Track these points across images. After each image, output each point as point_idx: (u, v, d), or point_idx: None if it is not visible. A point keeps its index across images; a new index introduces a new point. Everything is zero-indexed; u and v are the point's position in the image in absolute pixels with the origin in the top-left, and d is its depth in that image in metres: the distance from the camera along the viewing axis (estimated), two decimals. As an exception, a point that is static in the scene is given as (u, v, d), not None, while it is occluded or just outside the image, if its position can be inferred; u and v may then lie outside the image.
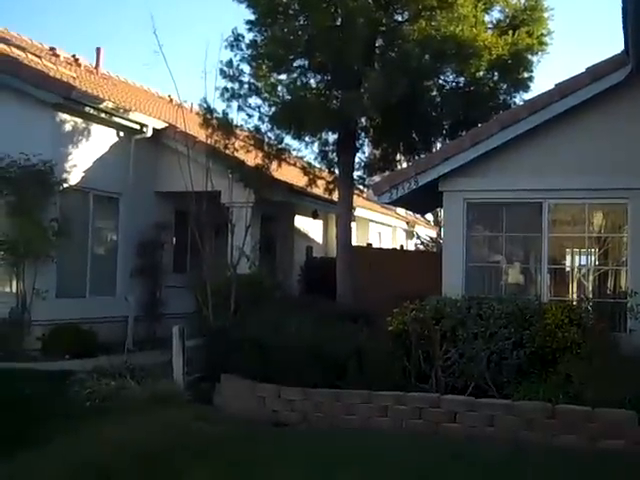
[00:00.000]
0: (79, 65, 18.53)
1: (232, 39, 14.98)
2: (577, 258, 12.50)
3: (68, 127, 14.74)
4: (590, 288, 11.66)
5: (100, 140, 15.46)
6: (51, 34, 49.79)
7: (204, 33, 35.80)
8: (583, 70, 11.09)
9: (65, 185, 14.27)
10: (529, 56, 15.13)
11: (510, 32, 14.81)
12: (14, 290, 13.49)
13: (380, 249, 22.76)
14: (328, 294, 14.82)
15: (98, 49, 19.71)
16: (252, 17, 15.02)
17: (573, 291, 11.91)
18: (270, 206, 17.44)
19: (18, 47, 15.96)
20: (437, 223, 29.56)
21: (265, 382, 9.34)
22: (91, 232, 15.38)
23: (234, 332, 10.19)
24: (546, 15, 15.28)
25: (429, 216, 31.13)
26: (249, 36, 14.99)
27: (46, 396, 9.55)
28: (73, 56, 18.80)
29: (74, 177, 14.67)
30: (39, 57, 16.15)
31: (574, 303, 10.79)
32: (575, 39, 40.93)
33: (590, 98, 10.92)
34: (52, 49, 18.18)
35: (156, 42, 13.39)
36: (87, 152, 15.05)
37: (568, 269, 12.34)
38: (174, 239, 17.75)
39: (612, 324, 10.32)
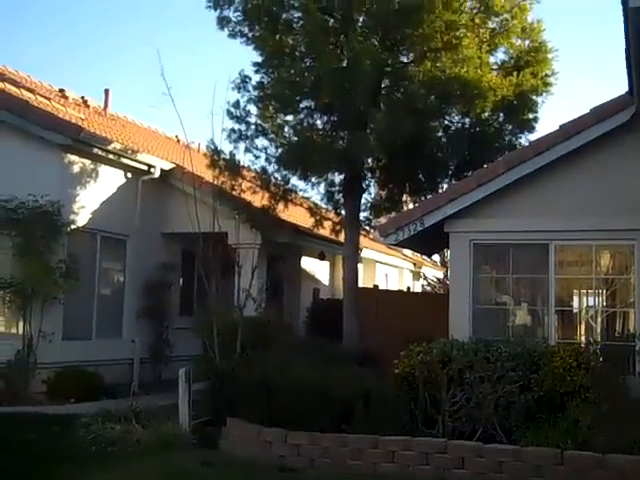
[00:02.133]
0: (88, 106, 18.70)
1: (239, 80, 15.12)
2: (585, 299, 12.41)
3: (76, 168, 14.83)
4: (598, 330, 11.57)
5: (108, 181, 15.55)
6: (61, 76, 50.31)
7: (212, 75, 36.13)
8: (587, 111, 11.13)
9: (73, 226, 14.33)
10: (534, 97, 15.20)
11: (515, 73, 14.88)
12: (20, 332, 13.46)
13: (387, 291, 22.68)
14: (335, 336, 14.74)
15: (107, 90, 19.89)
16: (259, 59, 15.19)
17: (581, 333, 11.81)
18: (277, 247, 17.45)
19: (28, 89, 16.13)
20: (444, 264, 29.51)
21: (271, 426, 9.25)
22: (98, 273, 15.40)
23: (240, 375, 10.12)
24: (550, 56, 15.35)
25: (436, 257, 31.10)
26: (256, 77, 15.15)
27: (51, 440, 9.51)
28: (82, 97, 18.98)
29: (82, 218, 14.73)
30: (48, 99, 16.31)
31: (582, 346, 10.67)
32: (580, 77, 41.19)
33: (595, 139, 10.94)
34: (61, 91, 18.36)
35: (164, 84, 13.48)
36: (95, 193, 15.13)
37: (576, 310, 12.25)
38: (181, 280, 17.76)
39: (621, 367, 10.20)
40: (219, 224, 13.06)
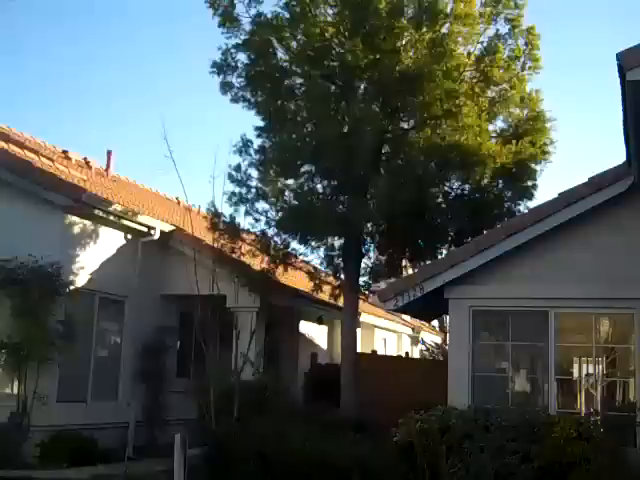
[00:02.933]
0: (90, 167, 18.84)
1: (241, 144, 15.33)
2: (585, 367, 12.32)
3: (77, 229, 14.85)
4: (599, 399, 11.46)
5: (108, 242, 15.56)
6: (65, 137, 50.87)
7: (214, 138, 36.55)
8: (586, 180, 11.22)
9: (72, 287, 14.26)
10: (533, 165, 15.37)
11: (514, 141, 15.06)
12: (15, 393, 13.29)
13: (385, 356, 22.57)
14: (333, 401, 14.60)
15: (109, 152, 20.10)
16: (261, 123, 15.43)
17: (581, 402, 11.69)
18: (275, 311, 17.38)
19: (32, 150, 16.26)
20: (443, 329, 29.35)
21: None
22: (95, 335, 15.28)
23: (236, 442, 9.99)
24: (548, 125, 15.60)
25: (435, 322, 30.97)
26: (257, 142, 15.38)
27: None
28: (84, 159, 19.13)
29: (81, 279, 14.70)
30: (52, 160, 16.43)
31: (582, 416, 10.56)
32: (581, 144, 41.66)
33: (593, 208, 11.01)
34: (64, 152, 18.52)
35: (167, 147, 13.64)
36: (94, 254, 15.13)
37: (576, 379, 12.13)
38: (178, 343, 17.63)
39: (622, 439, 10.08)
40: (218, 287, 13.06)
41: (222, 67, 15.57)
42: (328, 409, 13.30)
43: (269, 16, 15.40)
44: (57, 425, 13.29)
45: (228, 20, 15.54)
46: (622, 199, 10.88)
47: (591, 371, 11.97)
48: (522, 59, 15.30)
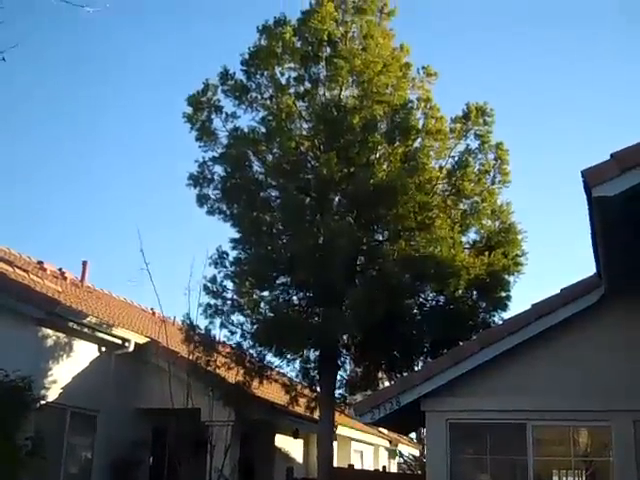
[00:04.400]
0: (65, 278, 18.83)
1: (216, 256, 15.42)
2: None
3: (50, 342, 14.69)
4: (580, 513, 11.29)
5: (81, 355, 15.38)
6: (41, 249, 50.83)
7: (189, 249, 36.71)
8: (558, 291, 11.35)
9: (42, 402, 13.96)
10: (506, 276, 15.50)
11: (486, 253, 15.24)
12: (-20, 514, 12.83)
13: (362, 470, 22.08)
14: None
15: (84, 262, 20.17)
16: (236, 235, 15.56)
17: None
18: (251, 424, 17.09)
19: (6, 261, 16.22)
20: (420, 441, 28.94)
21: None
22: (65, 450, 14.90)
23: None
24: (520, 237, 15.83)
25: (412, 434, 30.54)
26: (233, 253, 15.47)
27: None
28: (59, 269, 19.13)
29: (52, 393, 14.43)
30: (26, 271, 16.38)
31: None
32: (552, 254, 42.28)
33: (565, 319, 11.09)
34: (40, 263, 18.52)
35: (142, 259, 13.70)
36: (67, 367, 14.92)
37: (556, 492, 11.98)
38: (151, 458, 17.22)
39: None
40: (192, 400, 12.91)
41: (198, 179, 15.83)
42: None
43: (246, 130, 15.83)
44: None
45: (205, 134, 15.92)
46: (593, 311, 10.99)
47: (571, 484, 11.84)
48: (492, 173, 15.72)
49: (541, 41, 37.50)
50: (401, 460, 29.78)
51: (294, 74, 15.84)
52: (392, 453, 30.36)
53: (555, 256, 42.55)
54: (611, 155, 7.84)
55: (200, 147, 15.97)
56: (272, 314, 15.00)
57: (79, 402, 15.08)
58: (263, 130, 15.66)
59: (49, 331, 14.61)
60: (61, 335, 14.90)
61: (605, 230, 8.54)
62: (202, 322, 15.37)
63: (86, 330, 15.25)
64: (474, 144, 15.72)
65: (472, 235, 16.32)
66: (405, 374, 15.40)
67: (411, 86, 16.05)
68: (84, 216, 44.51)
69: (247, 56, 15.95)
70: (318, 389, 16.17)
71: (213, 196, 15.87)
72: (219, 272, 15.32)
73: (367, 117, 14.95)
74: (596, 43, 36.14)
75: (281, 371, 17.26)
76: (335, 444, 17.52)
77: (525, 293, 20.65)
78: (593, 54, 36.75)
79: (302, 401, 16.89)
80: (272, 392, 18.05)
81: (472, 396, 11.46)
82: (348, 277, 14.66)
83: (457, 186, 15.39)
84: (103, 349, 16.00)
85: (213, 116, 16.00)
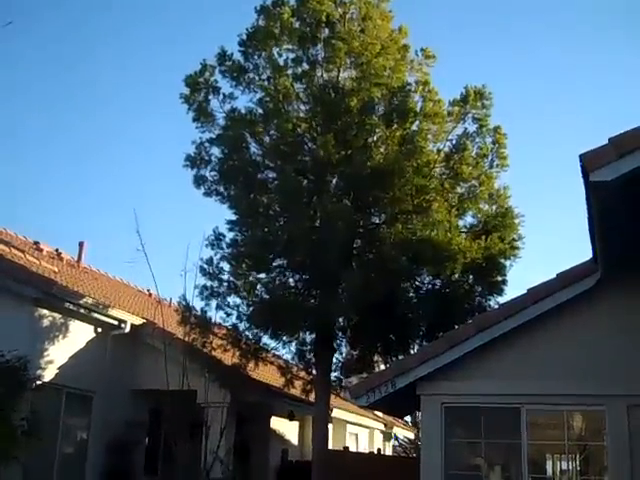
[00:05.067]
0: (61, 259, 18.80)
1: (213, 238, 15.41)
2: (558, 464, 12.20)
3: (46, 322, 14.71)
4: (573, 497, 11.32)
5: (77, 335, 15.40)
6: (38, 229, 50.80)
7: (186, 231, 36.72)
8: (554, 275, 11.33)
9: (38, 382, 14.02)
10: (502, 260, 15.49)
11: (483, 237, 15.20)
12: (-25, 494, 12.88)
13: (357, 453, 22.19)
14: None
15: (81, 243, 20.14)
16: (233, 217, 15.53)
17: (556, 500, 11.54)
18: (246, 406, 17.14)
19: (2, 241, 16.22)
20: (415, 424, 29.03)
21: None
22: (61, 431, 14.96)
23: None
24: (517, 221, 15.81)
25: (407, 417, 30.64)
26: (230, 235, 15.47)
27: None
28: (56, 250, 19.11)
29: (48, 373, 14.46)
30: (23, 251, 16.38)
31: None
32: (549, 237, 42.24)
33: (561, 304, 11.08)
34: (36, 243, 18.50)
35: (139, 240, 13.67)
36: (63, 348, 14.94)
37: (550, 476, 12.01)
38: (147, 439, 17.27)
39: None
40: (188, 382, 12.91)
41: (196, 161, 15.79)
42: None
43: (243, 111, 15.78)
44: (19, 528, 12.85)
45: (202, 115, 15.86)
46: (589, 295, 10.96)
47: (565, 468, 11.87)
48: (490, 157, 15.67)
49: (543, 25, 37.37)
50: (396, 443, 29.86)
51: (292, 55, 15.77)
52: (387, 436, 30.46)
53: (551, 240, 42.50)
54: (609, 140, 7.79)
55: (197, 128, 15.96)
56: (268, 296, 14.99)
57: (75, 383, 15.11)
58: (260, 111, 15.61)
59: (45, 311, 14.62)
60: (57, 315, 14.91)
61: (602, 215, 8.51)
62: (198, 304, 15.41)
63: (82, 311, 15.27)
64: (472, 127, 15.67)
65: (469, 219, 16.34)
66: (401, 357, 15.40)
67: (409, 68, 15.97)
68: (81, 197, 44.44)
69: (245, 37, 15.87)
70: (314, 372, 16.19)
71: (210, 177, 15.84)
72: (216, 254, 15.34)
73: (365, 99, 14.90)
74: (598, 29, 36.04)
75: (277, 353, 17.29)
76: (330, 427, 17.60)
77: (521, 277, 20.71)
78: (596, 39, 36.55)
79: (298, 383, 16.92)
80: (268, 374, 18.08)
81: (467, 380, 11.45)
82: (345, 260, 14.64)
83: (455, 169, 15.34)
84: (99, 330, 16.02)
85: (210, 97, 15.95)
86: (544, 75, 40.57)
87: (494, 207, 16.00)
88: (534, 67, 40.75)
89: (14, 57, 33.75)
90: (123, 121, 41.99)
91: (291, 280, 15.87)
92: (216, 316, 15.54)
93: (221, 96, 15.95)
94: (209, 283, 15.17)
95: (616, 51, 36.35)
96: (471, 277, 15.64)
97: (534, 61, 40.22)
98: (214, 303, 15.23)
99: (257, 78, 15.83)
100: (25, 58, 33.92)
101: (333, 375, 16.41)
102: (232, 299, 15.38)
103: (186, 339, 14.93)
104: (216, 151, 15.85)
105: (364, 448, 27.18)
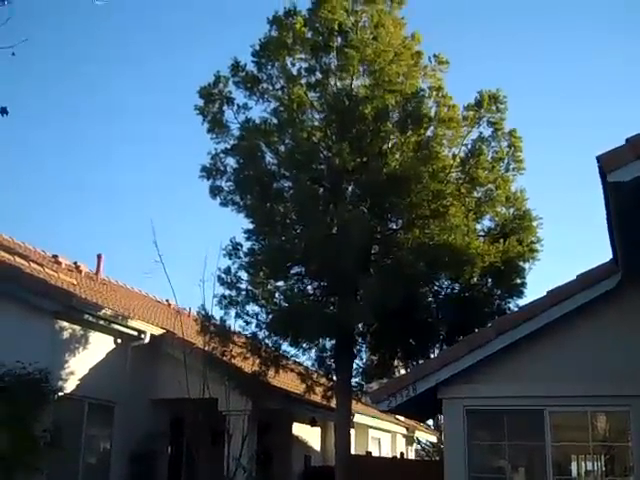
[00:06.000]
0: (80, 272, 18.91)
1: (230, 247, 15.44)
2: (583, 465, 12.17)
3: (66, 335, 14.80)
4: (599, 498, 11.28)
5: (97, 347, 15.48)
6: (56, 242, 51.10)
7: (203, 241, 36.84)
8: (574, 277, 11.32)
9: (60, 394, 14.09)
10: (521, 263, 15.49)
11: (501, 240, 15.22)
12: (1, 506, 12.94)
13: (380, 458, 22.18)
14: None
15: (99, 255, 20.24)
16: (250, 226, 15.57)
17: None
18: (268, 413, 17.17)
19: (21, 255, 16.33)
20: (437, 428, 28.98)
21: None
22: (84, 441, 15.03)
23: None
24: (535, 224, 15.80)
25: (429, 421, 30.58)
26: (247, 244, 15.50)
27: None
28: (75, 263, 19.22)
29: (70, 385, 14.55)
30: (41, 265, 16.48)
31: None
32: (566, 240, 42.07)
33: (583, 304, 11.07)
34: (54, 257, 18.62)
35: (156, 251, 13.72)
36: (84, 359, 15.02)
37: (575, 478, 11.97)
38: (169, 448, 17.33)
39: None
40: (209, 390, 12.95)
41: (211, 171, 15.85)
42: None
43: (257, 122, 15.83)
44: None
45: (217, 126, 15.93)
46: (610, 296, 10.95)
47: (590, 469, 11.84)
48: (506, 160, 15.66)
49: (556, 26, 37.26)
50: (419, 447, 29.80)
51: (305, 64, 15.79)
52: (409, 440, 30.41)
53: (571, 242, 42.34)
54: (626, 140, 7.80)
55: (212, 139, 16.02)
56: (287, 304, 15.02)
57: (96, 393, 15.19)
58: (275, 121, 15.66)
59: (65, 324, 14.72)
60: (77, 327, 15.00)
61: (621, 215, 8.51)
62: (217, 313, 15.45)
63: (102, 322, 15.35)
64: (487, 132, 15.65)
65: (486, 222, 16.34)
66: (421, 362, 15.41)
67: (423, 74, 15.97)
68: (98, 210, 44.66)
69: (258, 47, 15.93)
70: (334, 377, 16.20)
71: (226, 188, 15.89)
72: (233, 263, 15.37)
73: (379, 106, 14.91)
74: (614, 31, 35.92)
75: (297, 360, 17.31)
76: (352, 432, 17.60)
77: (540, 280, 20.66)
78: (611, 34, 36.39)
79: (319, 390, 16.94)
80: (288, 381, 18.11)
81: (489, 383, 11.46)
82: (362, 266, 14.66)
83: (471, 174, 15.32)
84: (119, 341, 16.10)
85: (225, 108, 16.01)
86: (561, 76, 40.45)
87: (511, 210, 16.01)
88: (550, 69, 40.66)
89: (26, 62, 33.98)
90: (137, 129, 42.19)
91: (309, 287, 15.91)
92: (235, 325, 15.60)
93: (235, 107, 16.02)
94: (227, 292, 15.23)
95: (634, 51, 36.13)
96: (490, 280, 15.65)
97: (550, 64, 40.12)
98: (233, 312, 15.29)
99: (271, 88, 15.90)
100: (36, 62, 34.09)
101: (354, 381, 16.42)
102: (251, 307, 15.44)
103: (206, 348, 14.97)
104: (231, 161, 15.92)
105: (387, 452, 27.18)
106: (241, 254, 15.44)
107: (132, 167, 44.66)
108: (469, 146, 15.64)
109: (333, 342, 15.84)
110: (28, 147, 38.03)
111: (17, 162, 37.87)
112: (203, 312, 15.17)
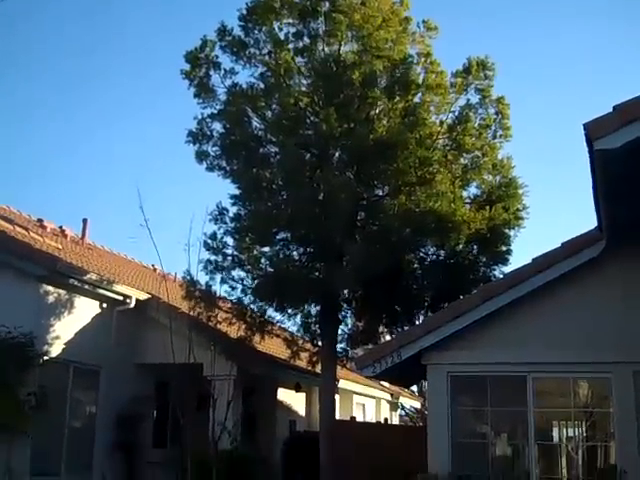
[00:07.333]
0: (65, 236, 18.81)
1: (216, 212, 15.40)
2: (565, 431, 12.31)
3: (51, 299, 14.75)
4: (580, 463, 11.43)
5: (83, 311, 15.45)
6: (41, 206, 50.80)
7: (189, 206, 36.71)
8: (559, 245, 11.37)
9: (45, 358, 14.09)
10: (506, 230, 15.54)
11: (487, 207, 15.24)
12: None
13: (364, 423, 22.35)
14: (311, 469, 14.41)
15: (85, 220, 20.13)
16: (236, 191, 15.52)
17: (562, 466, 11.65)
18: (253, 378, 17.24)
19: (5, 219, 16.23)
20: (422, 394, 29.21)
21: None
22: (69, 405, 15.06)
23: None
24: (521, 192, 15.81)
25: (414, 387, 30.82)
26: (233, 210, 15.46)
27: None
28: (60, 227, 19.10)
29: (55, 349, 14.53)
30: (26, 229, 16.40)
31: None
32: (552, 208, 42.15)
33: (567, 272, 11.12)
34: (40, 221, 18.50)
35: (142, 216, 13.63)
36: (69, 324, 15.00)
37: (556, 443, 12.11)
38: (154, 412, 17.40)
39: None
40: (194, 355, 12.94)
41: (197, 136, 15.75)
42: (307, 477, 13.13)
43: (244, 86, 15.72)
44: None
45: (204, 91, 15.80)
46: (594, 264, 11.00)
47: (571, 435, 11.98)
48: (493, 128, 15.66)
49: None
50: (403, 413, 30.04)
51: (293, 29, 15.66)
52: (394, 406, 30.65)
53: (556, 209, 42.47)
54: (613, 107, 7.78)
55: (199, 104, 15.91)
56: (272, 269, 15.04)
57: (81, 358, 15.19)
58: (262, 86, 15.56)
59: (50, 288, 14.66)
60: (62, 292, 14.96)
61: (607, 183, 8.52)
62: (203, 278, 15.45)
63: (87, 287, 15.30)
64: (475, 98, 15.64)
65: (473, 190, 16.36)
66: (406, 328, 15.48)
67: (411, 41, 15.88)
68: (84, 174, 44.41)
69: (245, 11, 15.76)
70: (320, 343, 16.27)
71: (212, 153, 15.81)
72: (219, 228, 15.35)
73: (366, 72, 14.82)
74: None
75: (282, 326, 17.37)
76: (337, 397, 17.71)
77: (526, 247, 20.75)
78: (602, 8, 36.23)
79: (304, 355, 17.02)
80: (274, 347, 18.18)
81: (473, 349, 11.54)
82: (348, 232, 14.67)
83: (458, 141, 15.31)
84: (104, 305, 16.07)
85: (211, 72, 15.88)
86: (548, 45, 40.25)
87: (498, 178, 16.00)
88: (538, 37, 40.44)
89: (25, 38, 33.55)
90: (123, 96, 41.82)
91: (295, 253, 15.91)
92: (221, 290, 15.65)
93: (222, 71, 15.89)
94: (213, 257, 15.22)
95: (624, 21, 36.01)
96: (475, 247, 15.70)
97: (537, 30, 39.89)
98: (218, 277, 15.31)
99: (258, 53, 15.76)
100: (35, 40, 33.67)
101: (339, 347, 16.52)
102: (236, 273, 15.47)
103: (191, 313, 14.99)
104: (218, 126, 15.84)
105: (371, 418, 27.37)
106: (227, 219, 15.41)
107: (118, 133, 44.28)
108: (456, 113, 15.64)
109: (318, 308, 15.89)
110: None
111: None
112: (188, 277, 15.18)
